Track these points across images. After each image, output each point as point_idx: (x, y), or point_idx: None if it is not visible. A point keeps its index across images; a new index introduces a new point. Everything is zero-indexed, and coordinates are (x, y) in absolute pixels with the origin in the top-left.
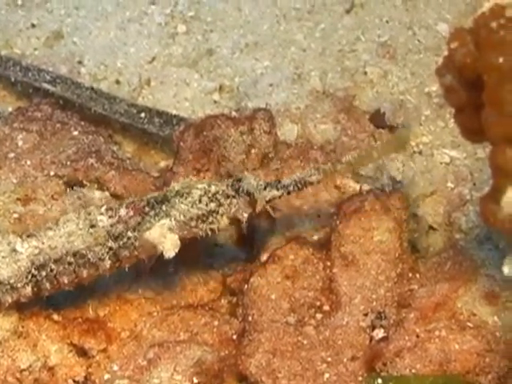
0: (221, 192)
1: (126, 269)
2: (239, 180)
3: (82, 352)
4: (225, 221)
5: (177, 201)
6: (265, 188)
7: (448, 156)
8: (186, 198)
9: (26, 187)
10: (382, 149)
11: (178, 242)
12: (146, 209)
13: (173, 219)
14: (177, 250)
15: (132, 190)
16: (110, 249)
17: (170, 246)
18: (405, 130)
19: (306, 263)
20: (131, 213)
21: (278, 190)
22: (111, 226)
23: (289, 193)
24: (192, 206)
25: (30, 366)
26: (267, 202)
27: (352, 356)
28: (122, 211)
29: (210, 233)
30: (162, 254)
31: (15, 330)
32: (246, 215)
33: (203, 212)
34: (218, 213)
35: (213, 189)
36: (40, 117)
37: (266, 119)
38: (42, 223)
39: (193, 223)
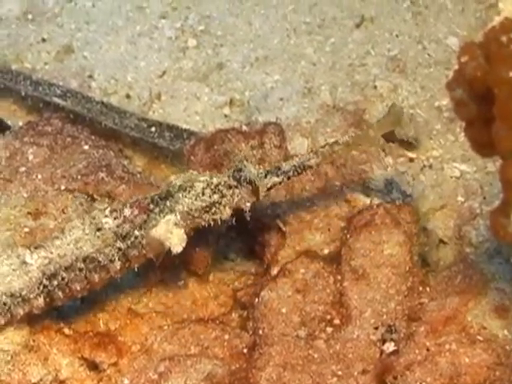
0: (223, 183)
1: (136, 269)
2: (240, 170)
3: (93, 366)
4: (227, 211)
5: (180, 195)
6: (265, 176)
7: (458, 170)
8: (189, 192)
9: (36, 201)
10: (377, 127)
11: (185, 237)
12: (151, 206)
13: (177, 214)
14: (184, 245)
15: None
16: (119, 249)
17: (176, 241)
18: (398, 106)
19: (316, 277)
20: (136, 211)
21: (278, 176)
22: (117, 226)
23: (289, 178)
24: (196, 199)
25: (41, 379)
26: (269, 189)
27: (362, 369)
28: (127, 211)
29: (212, 223)
30: (169, 250)
31: (26, 343)
32: (248, 204)
33: (207, 204)
34: (221, 204)
35: (215, 180)
36: (50, 131)
37: (276, 133)
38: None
39: (196, 214)
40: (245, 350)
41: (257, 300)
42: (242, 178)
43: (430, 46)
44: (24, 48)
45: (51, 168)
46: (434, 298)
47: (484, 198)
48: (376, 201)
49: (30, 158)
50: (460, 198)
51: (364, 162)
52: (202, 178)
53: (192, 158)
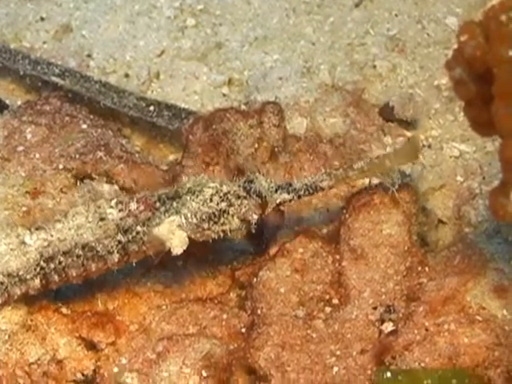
0: (232, 192)
1: (134, 264)
2: (251, 181)
3: (91, 345)
4: (236, 221)
5: (188, 198)
6: (276, 191)
7: (457, 150)
8: (197, 196)
9: (34, 180)
10: (394, 157)
11: (187, 240)
12: (157, 204)
13: (182, 216)
14: (185, 248)
15: (141, 184)
16: (119, 242)
17: (177, 243)
18: (417, 139)
19: (315, 257)
20: (142, 207)
21: (288, 193)
22: (121, 219)
23: (299, 197)
24: (203, 205)
25: (39, 359)
26: (277, 204)
27: (361, 349)
28: (133, 205)
29: (221, 234)
30: (169, 250)
31: (24, 323)
32: (255, 217)
33: (213, 211)
34: (228, 213)
35: (224, 188)
36: (49, 110)
37: (275, 113)
38: (50, 216)
39: (204, 224)
40: (243, 330)
41: (255, 280)
42: (252, 189)
43: (429, 25)
44: (23, 27)
45: (49, 147)
46: (432, 278)
47: (483, 177)
48: (375, 181)
49: (29, 137)
50: (459, 178)
51: (363, 141)
52: (212, 184)
53: (190, 137)
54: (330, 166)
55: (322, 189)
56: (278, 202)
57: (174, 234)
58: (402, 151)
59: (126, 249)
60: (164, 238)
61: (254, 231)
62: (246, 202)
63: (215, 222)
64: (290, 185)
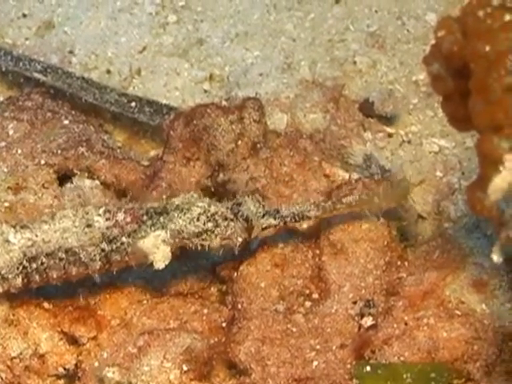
0: (220, 213)
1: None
2: (239, 204)
3: (73, 340)
4: (217, 241)
5: (175, 215)
6: (263, 216)
7: (437, 145)
8: (184, 214)
9: (16, 176)
10: (383, 197)
11: (170, 255)
12: (144, 217)
13: (168, 232)
14: (167, 263)
15: (122, 179)
16: (103, 250)
17: (161, 258)
18: (407, 182)
19: (295, 251)
20: (128, 219)
21: (275, 219)
22: (107, 228)
23: (285, 223)
24: (189, 223)
25: (21, 353)
26: (263, 229)
27: (341, 344)
28: (120, 216)
29: (199, 247)
30: (151, 263)
31: (6, 317)
32: (240, 240)
33: (199, 230)
34: (213, 232)
35: (212, 209)
36: (31, 106)
37: (255, 108)
38: (32, 212)
39: (186, 236)
40: (224, 324)
41: (236, 274)
42: (240, 213)
43: (409, 21)
44: (5, 23)
45: (31, 143)
46: (412, 272)
47: (462, 173)
48: (355, 176)
49: (11, 132)
50: (439, 173)
51: (343, 137)
52: (200, 204)
53: (171, 132)
54: (310, 161)
55: (309, 218)
56: (263, 226)
57: (158, 249)
58: (392, 192)
59: (109, 258)
60: (148, 251)
61: (235, 253)
62: (232, 224)
63: (197, 236)
64: (278, 211)
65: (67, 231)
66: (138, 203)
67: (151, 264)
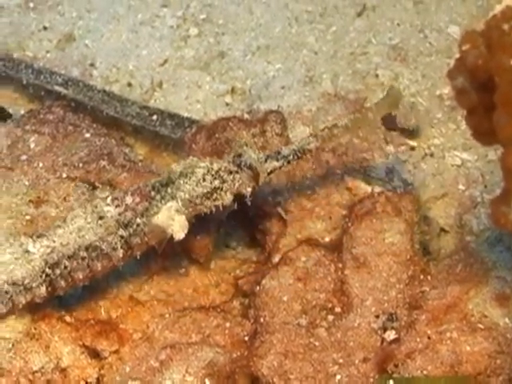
0: (223, 168)
1: (138, 257)
2: (240, 155)
3: (95, 353)
4: (229, 197)
5: (181, 182)
6: (265, 160)
7: (459, 158)
8: (189, 178)
9: (38, 189)
10: (376, 109)
11: (186, 223)
12: (152, 193)
13: (179, 200)
14: (186, 231)
15: None
16: (122, 237)
17: (178, 228)
18: (396, 88)
19: (317, 265)
20: (137, 199)
21: (278, 160)
22: (119, 214)
23: (289, 162)
24: (197, 185)
25: (43, 367)
26: (269, 173)
27: (363, 357)
28: (128, 199)
29: (213, 209)
30: (171, 237)
31: (28, 331)
32: (249, 189)
33: (208, 190)
34: (222, 189)
35: (215, 166)
36: (52, 119)
37: (277, 121)
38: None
39: (198, 201)
40: (246, 338)
41: (258, 288)
42: (243, 163)
43: (431, 34)
44: (25, 36)
45: (53, 156)
46: (435, 286)
47: (485, 186)
48: (377, 189)
49: (32, 146)
50: (461, 187)
51: (365, 150)
52: (202, 164)
53: (193, 146)
54: (333, 174)
55: (310, 151)
56: (269, 170)
57: (173, 220)
58: (383, 102)
59: (129, 243)
60: (164, 225)
61: (248, 203)
62: (238, 176)
63: (208, 198)
64: (279, 152)
65: (82, 229)
66: (142, 182)
67: (171, 237)
